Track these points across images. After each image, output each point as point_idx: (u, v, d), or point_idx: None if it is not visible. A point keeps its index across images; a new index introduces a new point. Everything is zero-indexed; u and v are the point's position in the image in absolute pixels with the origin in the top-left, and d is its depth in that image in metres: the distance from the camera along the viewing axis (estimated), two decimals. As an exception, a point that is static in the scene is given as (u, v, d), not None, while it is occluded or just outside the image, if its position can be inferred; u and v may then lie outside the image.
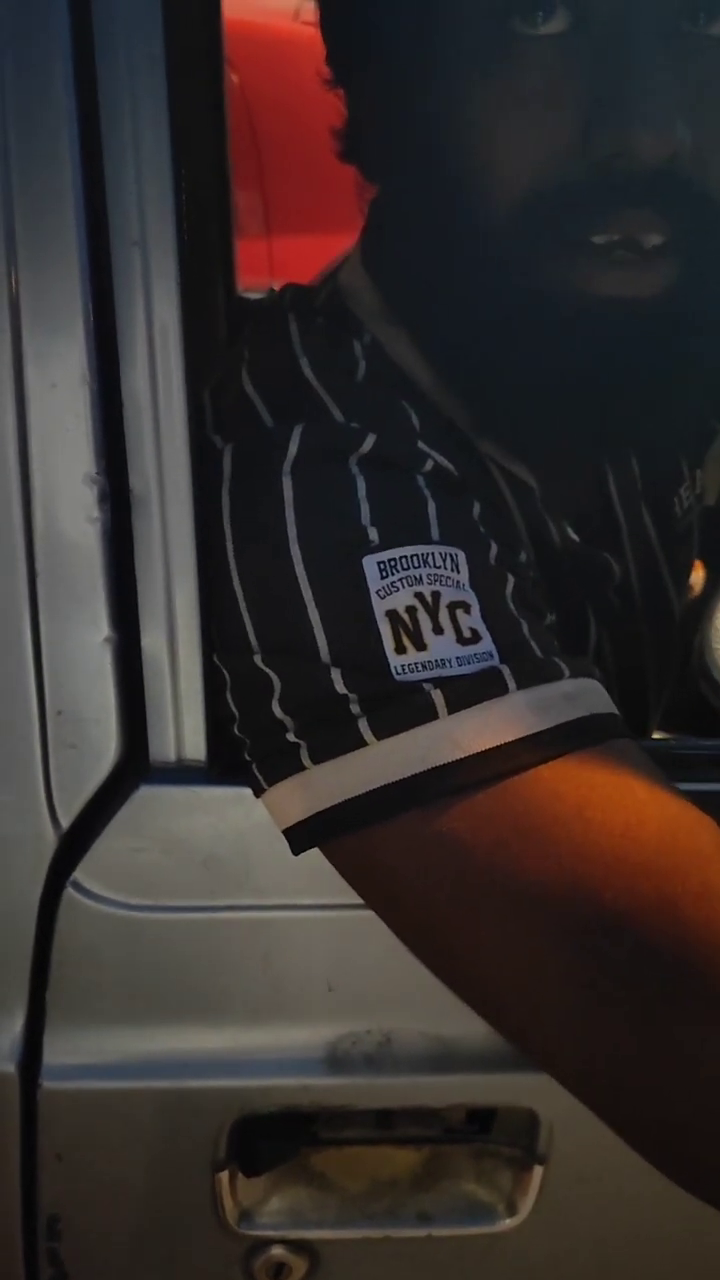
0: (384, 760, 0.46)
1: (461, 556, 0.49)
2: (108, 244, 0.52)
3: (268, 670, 0.50)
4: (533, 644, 0.49)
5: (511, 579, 0.52)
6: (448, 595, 0.48)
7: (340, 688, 0.47)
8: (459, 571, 0.49)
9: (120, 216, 0.51)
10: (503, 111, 0.51)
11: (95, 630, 0.55)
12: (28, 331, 0.51)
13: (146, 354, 0.52)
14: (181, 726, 0.57)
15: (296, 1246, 0.65)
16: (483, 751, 0.45)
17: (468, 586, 0.49)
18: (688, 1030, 0.42)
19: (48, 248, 0.51)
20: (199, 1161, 0.63)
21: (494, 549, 0.52)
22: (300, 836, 0.50)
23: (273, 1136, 0.63)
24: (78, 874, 0.58)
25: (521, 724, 0.46)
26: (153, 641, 0.56)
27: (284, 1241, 0.65)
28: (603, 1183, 0.65)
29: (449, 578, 0.48)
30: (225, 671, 0.53)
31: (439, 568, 0.48)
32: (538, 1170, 0.64)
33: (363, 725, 0.47)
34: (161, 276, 0.52)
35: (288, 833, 0.50)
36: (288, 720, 0.49)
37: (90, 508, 0.54)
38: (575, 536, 0.65)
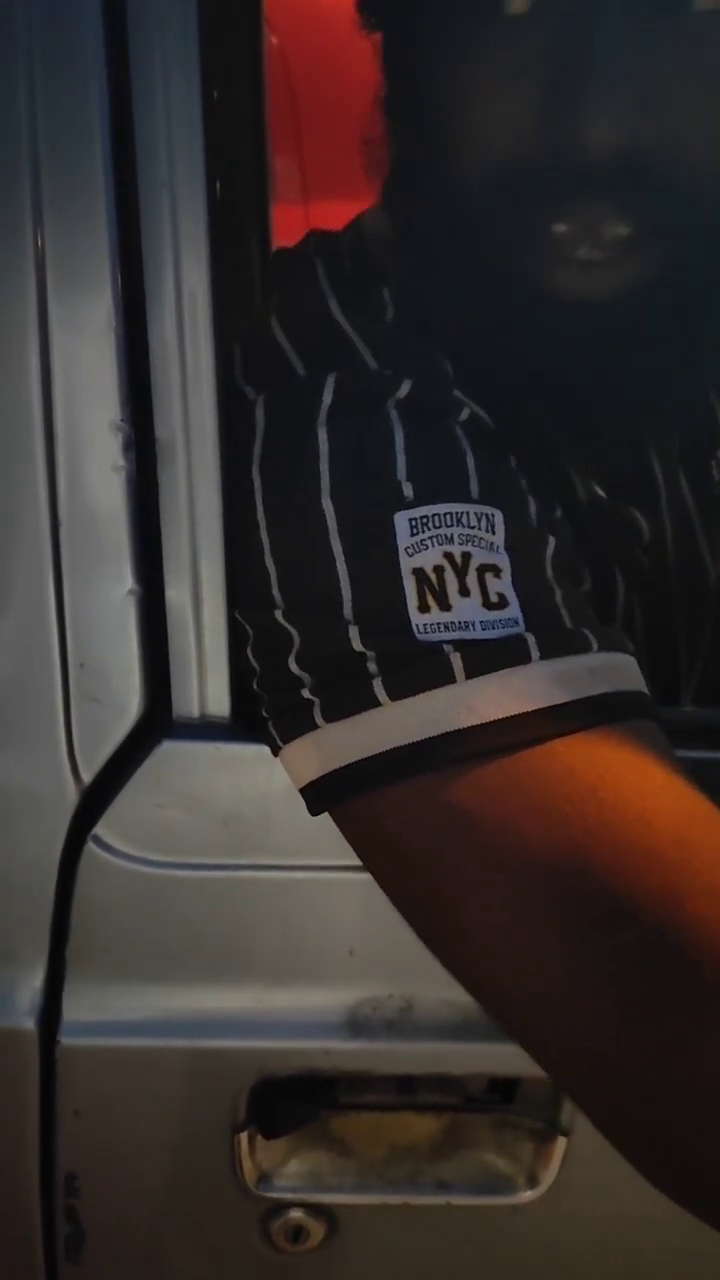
0: (397, 722, 0.45)
1: (499, 517, 0.48)
2: (136, 187, 0.50)
3: (288, 625, 0.49)
4: (563, 612, 0.48)
5: (552, 541, 0.50)
6: (479, 557, 0.46)
7: (358, 645, 0.46)
8: (494, 533, 0.47)
9: (148, 158, 0.50)
10: (478, 86, 0.49)
11: (119, 582, 0.54)
12: (53, 275, 0.50)
13: (174, 300, 0.51)
14: (205, 682, 0.56)
15: (314, 1210, 0.65)
16: (498, 720, 0.44)
17: (502, 549, 0.47)
18: (682, 1027, 0.40)
19: (74, 189, 0.50)
20: (218, 1122, 0.62)
21: (533, 506, 0.51)
22: (313, 797, 0.49)
23: (293, 1099, 0.63)
24: (99, 829, 0.57)
25: (541, 695, 0.44)
26: (177, 595, 0.55)
27: (302, 1205, 0.65)
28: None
29: (482, 539, 0.47)
30: (247, 626, 0.52)
31: (473, 528, 0.47)
32: (560, 1142, 0.63)
33: (377, 685, 0.45)
34: (190, 221, 0.51)
35: (303, 792, 0.49)
36: (305, 676, 0.48)
37: (115, 456, 0.53)
38: (602, 493, 0.64)
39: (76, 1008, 0.60)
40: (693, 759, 0.58)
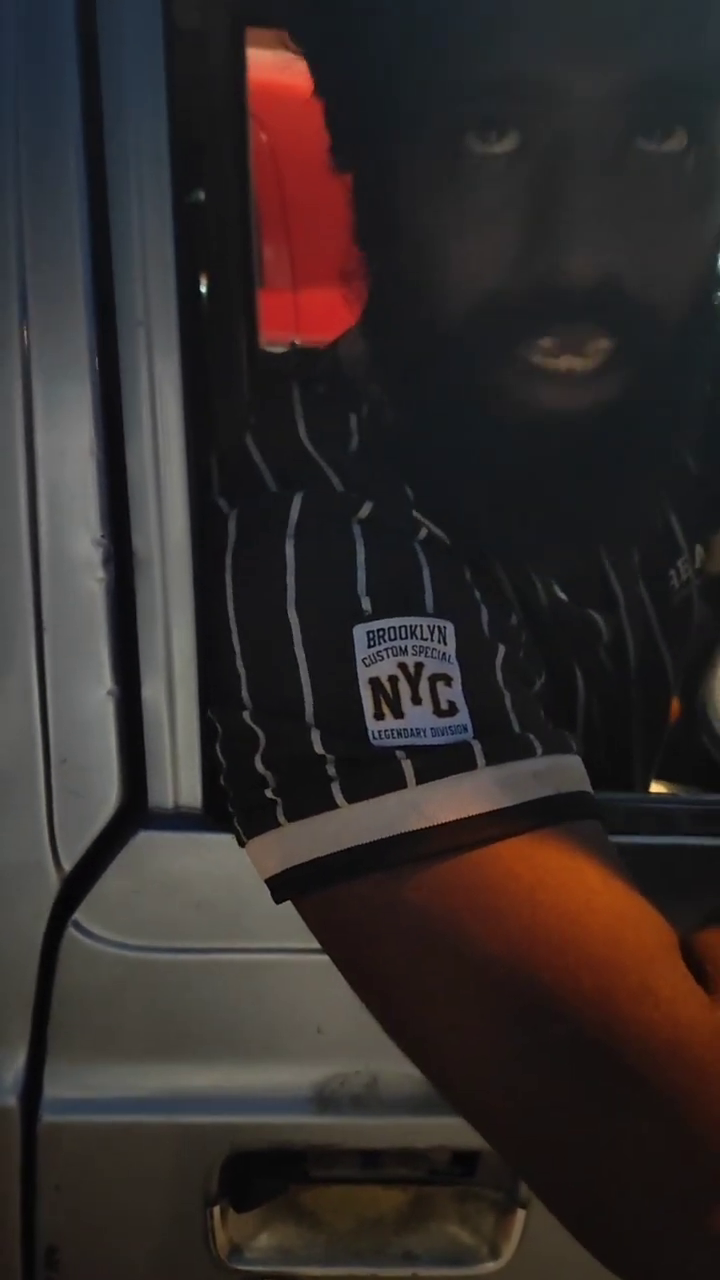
0: (352, 823, 0.48)
1: (450, 629, 0.51)
2: (114, 324, 0.55)
3: (255, 726, 0.53)
4: (512, 717, 0.51)
5: (502, 648, 0.54)
6: (431, 667, 0.50)
7: (319, 748, 0.50)
8: (446, 643, 0.51)
9: (126, 299, 0.55)
10: (453, 225, 0.53)
11: (99, 683, 0.58)
12: (40, 406, 0.55)
13: (150, 428, 0.56)
14: (179, 775, 0.60)
15: (286, 1282, 0.67)
16: (447, 823, 0.47)
17: (453, 659, 0.51)
18: (611, 1120, 0.43)
19: (59, 328, 0.55)
20: (192, 1196, 0.65)
21: (486, 615, 0.55)
22: (275, 888, 0.52)
23: (264, 1173, 0.65)
24: (79, 914, 0.61)
25: (487, 799, 0.48)
26: (153, 695, 0.59)
27: (273, 1277, 0.67)
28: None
29: (434, 649, 0.51)
30: (218, 724, 0.56)
31: (426, 639, 0.51)
32: (520, 1214, 0.66)
33: (335, 788, 0.49)
34: (164, 355, 0.55)
35: (267, 883, 0.53)
36: (268, 776, 0.52)
37: (96, 568, 0.57)
38: (564, 596, 0.68)
39: (57, 1085, 0.63)
40: (648, 844, 0.62)
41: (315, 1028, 0.63)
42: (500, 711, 0.51)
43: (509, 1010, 0.45)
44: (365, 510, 0.55)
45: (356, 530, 0.54)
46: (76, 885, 0.61)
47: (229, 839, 0.59)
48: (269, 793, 0.52)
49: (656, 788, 1.41)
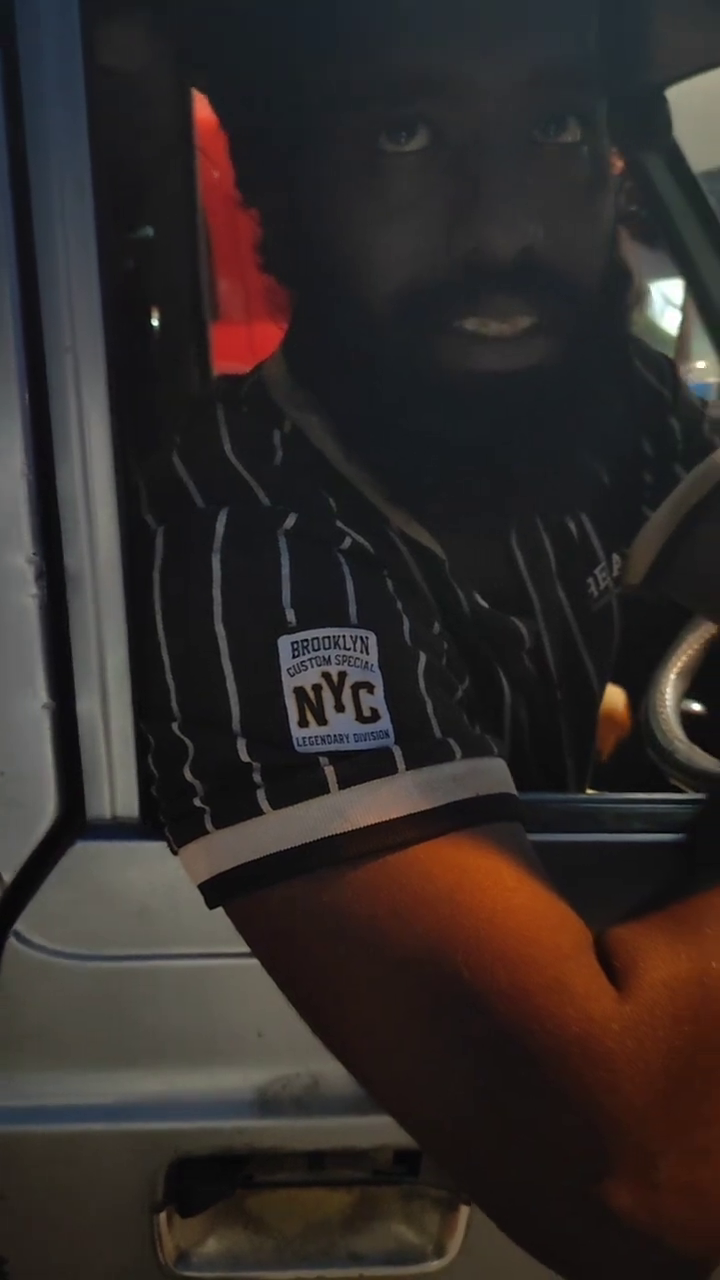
0: (277, 829, 0.50)
1: (373, 639, 0.54)
2: (43, 350, 0.57)
3: (184, 737, 0.54)
4: (433, 723, 0.53)
5: (424, 656, 0.56)
6: (353, 676, 0.52)
7: (244, 756, 0.52)
8: (368, 653, 0.53)
9: (53, 325, 0.57)
10: (377, 221, 0.56)
11: (34, 697, 0.60)
12: (-30, 429, 0.57)
13: (79, 449, 0.58)
14: (115, 785, 0.62)
15: (234, 1288, 0.68)
16: (367, 827, 0.49)
17: (375, 667, 0.53)
18: (523, 1110, 0.45)
19: (-11, 356, 0.57)
20: (139, 1203, 0.66)
21: (407, 624, 0.57)
22: (206, 894, 0.54)
23: (209, 1178, 0.66)
24: (19, 925, 0.62)
25: (407, 802, 0.50)
26: (88, 707, 0.61)
27: (221, 1283, 0.68)
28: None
29: (357, 658, 0.53)
30: (150, 735, 0.58)
31: (349, 649, 0.53)
32: (464, 1210, 0.67)
33: (260, 795, 0.51)
34: (90, 379, 0.57)
35: (199, 889, 0.55)
36: (197, 785, 0.54)
37: (29, 585, 0.59)
38: (484, 603, 0.70)
39: (2, 1095, 0.64)
40: (580, 842, 0.64)
41: (256, 1031, 0.64)
42: (421, 717, 0.53)
43: (426, 1007, 0.47)
44: (290, 522, 0.57)
45: (282, 542, 0.56)
46: (16, 896, 0.62)
47: (166, 848, 0.60)
48: (197, 801, 0.53)
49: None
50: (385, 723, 0.52)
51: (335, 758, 0.51)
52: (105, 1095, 0.64)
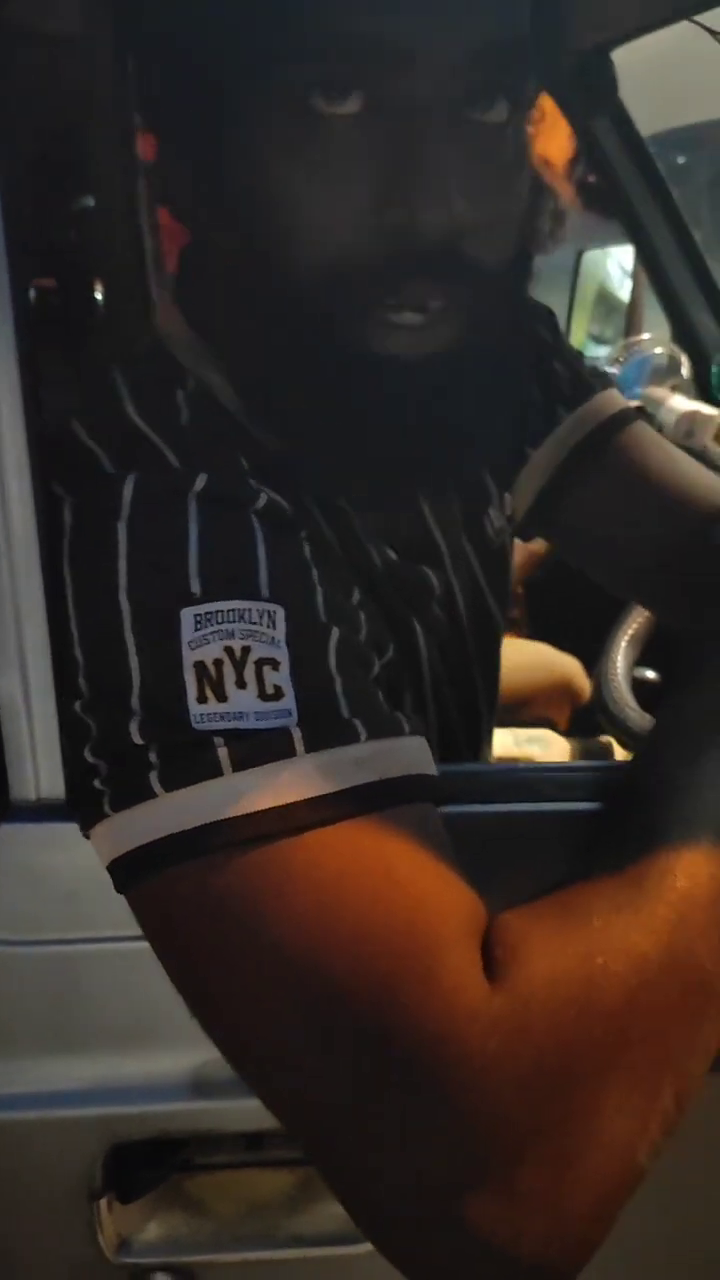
0: (170, 812, 0.49)
1: (281, 614, 0.52)
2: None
3: (85, 716, 0.53)
4: (341, 702, 0.51)
5: (337, 631, 0.54)
6: (259, 651, 0.50)
7: (139, 738, 0.50)
8: (275, 628, 0.51)
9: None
10: (305, 182, 0.54)
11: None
12: None
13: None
14: (39, 766, 0.60)
15: (177, 1271, 0.67)
16: (260, 811, 0.47)
17: (282, 643, 0.51)
18: (380, 1105, 0.44)
19: None
20: (77, 1191, 0.65)
21: (322, 596, 0.55)
22: (113, 880, 0.52)
23: (147, 1163, 0.65)
24: (-58, 911, 0.60)
25: (303, 786, 0.48)
26: (7, 686, 0.59)
27: (163, 1267, 0.67)
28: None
29: (263, 634, 0.51)
30: (61, 715, 0.56)
31: (255, 624, 0.51)
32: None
33: (154, 777, 0.49)
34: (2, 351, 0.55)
35: (109, 873, 0.53)
36: (99, 765, 0.52)
37: (-58, 563, 0.57)
38: (394, 555, 0.69)
39: (-69, 1086, 0.62)
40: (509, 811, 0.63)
41: (187, 1013, 0.63)
42: (328, 696, 0.51)
43: (298, 997, 0.45)
44: (201, 484, 0.55)
45: (192, 507, 0.54)
46: (-60, 882, 0.60)
47: (92, 828, 0.59)
48: (98, 783, 0.52)
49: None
50: (289, 701, 0.50)
51: (232, 737, 0.49)
52: (39, 1083, 0.63)
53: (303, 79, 0.53)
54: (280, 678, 0.50)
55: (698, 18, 1.37)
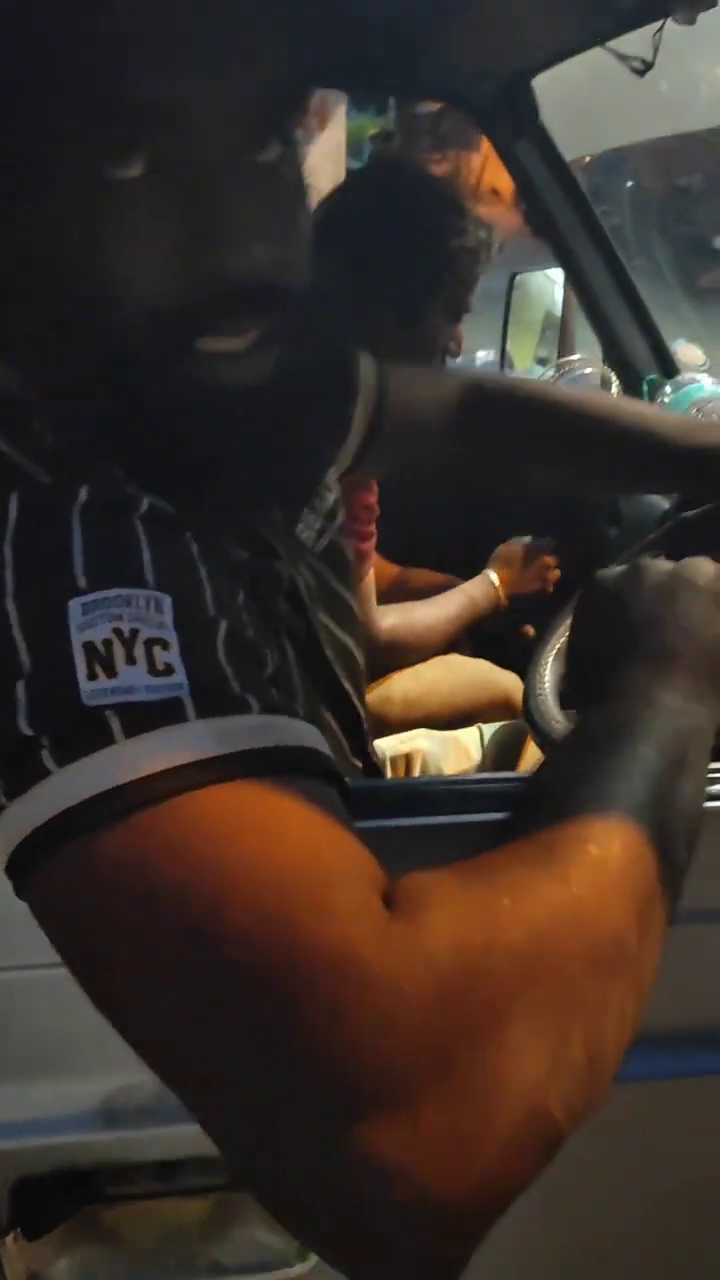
0: (65, 787, 0.47)
1: (168, 601, 0.52)
2: None
3: None
4: (233, 682, 0.52)
5: (225, 623, 0.54)
6: (147, 632, 0.51)
7: (28, 729, 0.49)
8: (162, 614, 0.51)
9: None
10: (107, 247, 0.56)
11: None
12: None
13: None
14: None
15: (92, 1307, 0.66)
16: (151, 774, 0.47)
17: (170, 627, 0.51)
18: (282, 1040, 0.42)
19: None
20: (-17, 1228, 0.63)
21: (210, 592, 0.55)
22: (13, 881, 0.51)
23: (55, 1196, 0.64)
24: None
25: (196, 749, 0.47)
26: None
27: (78, 1303, 0.66)
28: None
29: (150, 618, 0.51)
30: None
31: (143, 609, 0.51)
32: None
33: (45, 755, 0.48)
34: None
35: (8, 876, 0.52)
36: None
37: None
38: (245, 554, 0.70)
39: None
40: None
41: (95, 1041, 0.62)
42: (219, 675, 0.51)
43: (198, 946, 0.44)
44: (82, 495, 0.55)
45: (75, 520, 0.54)
46: None
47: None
48: None
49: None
50: (180, 676, 0.50)
51: (123, 709, 0.48)
52: (-61, 1117, 0.62)
53: (87, 149, 0.55)
54: (170, 656, 0.50)
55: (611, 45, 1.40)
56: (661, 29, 1.18)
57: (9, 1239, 0.63)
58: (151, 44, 0.53)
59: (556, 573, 1.76)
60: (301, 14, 0.61)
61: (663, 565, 0.70)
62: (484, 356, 2.48)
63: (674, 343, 1.84)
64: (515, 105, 1.62)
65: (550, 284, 2.13)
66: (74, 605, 0.51)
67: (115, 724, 0.48)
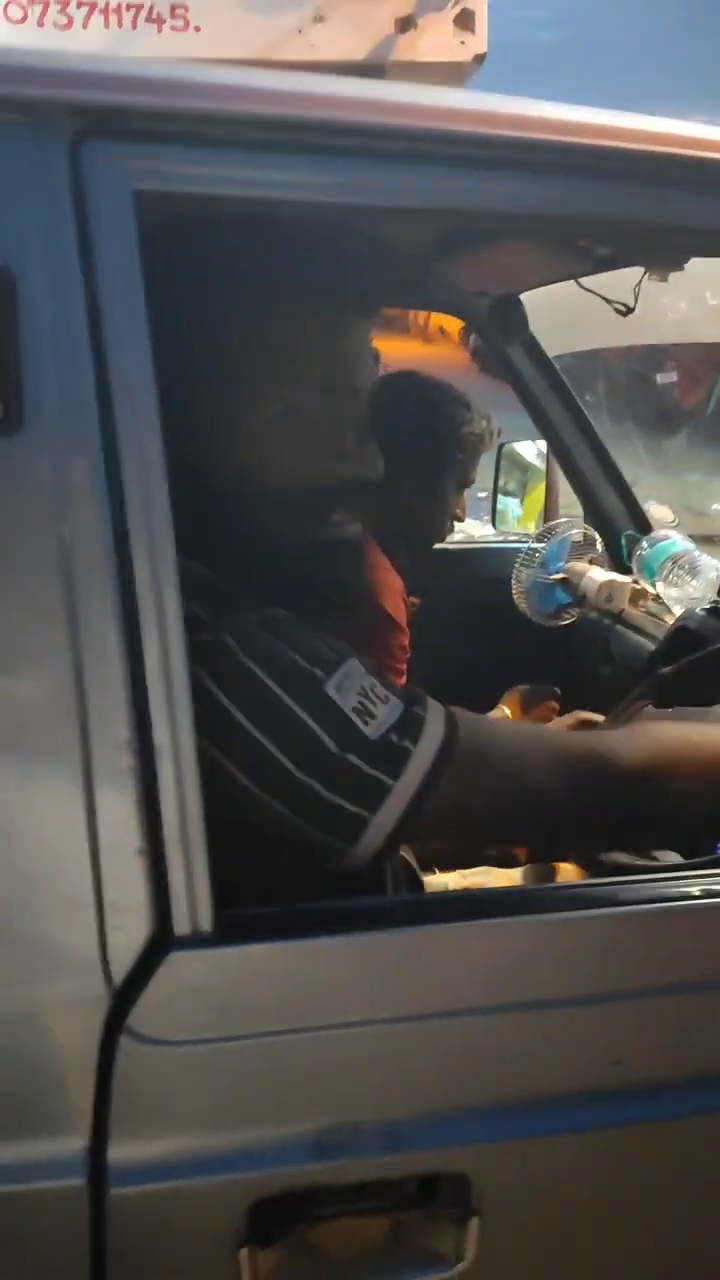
0: (410, 778, 0.85)
1: (352, 662, 0.87)
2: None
3: (307, 778, 0.83)
4: (399, 691, 0.89)
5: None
6: (365, 684, 0.87)
7: (362, 765, 0.84)
8: (357, 671, 0.87)
9: None
10: (291, 453, 0.98)
11: (133, 840, 0.79)
12: None
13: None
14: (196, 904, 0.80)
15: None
16: (443, 741, 0.87)
17: (365, 673, 0.88)
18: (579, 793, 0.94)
19: None
20: (225, 1241, 0.82)
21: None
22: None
23: (280, 1215, 0.83)
24: (129, 1021, 0.79)
25: (437, 715, 0.89)
26: (171, 848, 0.80)
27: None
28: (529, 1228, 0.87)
29: (356, 677, 0.87)
30: (273, 800, 0.84)
31: (354, 674, 0.87)
32: (474, 1221, 0.85)
33: (383, 776, 0.85)
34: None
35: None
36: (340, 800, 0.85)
37: (124, 756, 0.78)
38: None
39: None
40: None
41: (304, 1096, 0.83)
42: (393, 690, 0.89)
43: (554, 778, 0.93)
44: (258, 618, 0.89)
45: (270, 639, 0.88)
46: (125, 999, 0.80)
47: (240, 950, 0.79)
48: (349, 805, 0.85)
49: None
50: (393, 698, 0.88)
51: (394, 729, 0.85)
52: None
53: (269, 389, 0.95)
54: (378, 690, 0.87)
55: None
56: (641, 282, 1.47)
57: (244, 1250, 0.82)
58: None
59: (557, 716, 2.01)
60: (380, 266, 0.96)
61: None
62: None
63: (645, 503, 2.14)
64: (507, 317, 1.94)
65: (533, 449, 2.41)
66: (330, 688, 0.85)
67: (399, 739, 0.86)
